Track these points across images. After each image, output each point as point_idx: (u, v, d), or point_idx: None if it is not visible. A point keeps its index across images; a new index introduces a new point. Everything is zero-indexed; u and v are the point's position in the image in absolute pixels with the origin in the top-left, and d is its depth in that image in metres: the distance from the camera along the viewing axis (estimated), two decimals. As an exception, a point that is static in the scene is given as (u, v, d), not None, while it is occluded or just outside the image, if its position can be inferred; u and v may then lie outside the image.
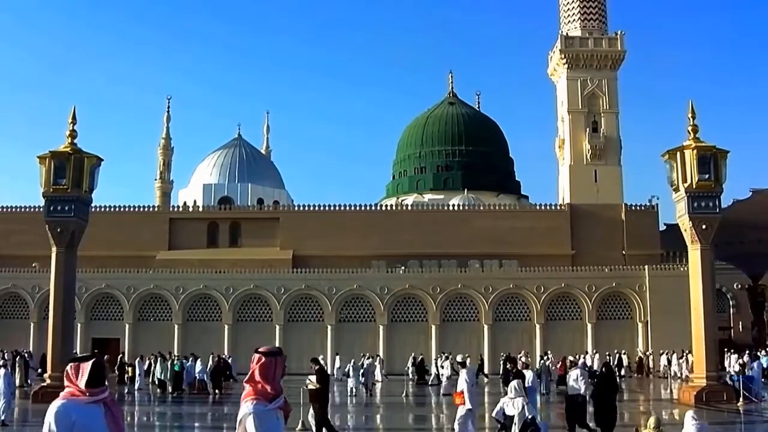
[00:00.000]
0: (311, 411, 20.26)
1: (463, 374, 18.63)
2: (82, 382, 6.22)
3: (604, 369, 22.72)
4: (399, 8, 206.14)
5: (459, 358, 21.02)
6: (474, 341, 61.27)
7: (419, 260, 66.86)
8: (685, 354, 51.07)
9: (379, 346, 60.50)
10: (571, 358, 42.83)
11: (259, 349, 6.51)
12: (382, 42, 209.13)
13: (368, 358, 45.69)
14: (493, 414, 19.16)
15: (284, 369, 6.46)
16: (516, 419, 17.11)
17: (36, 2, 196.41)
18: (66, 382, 6.32)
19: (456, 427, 18.19)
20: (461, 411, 18.20)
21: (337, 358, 55.87)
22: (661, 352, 57.21)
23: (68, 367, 6.34)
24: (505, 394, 19.50)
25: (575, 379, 20.93)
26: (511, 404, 17.45)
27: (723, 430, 25.99)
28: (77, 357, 6.44)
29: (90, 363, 6.26)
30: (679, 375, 51.96)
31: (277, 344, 59.58)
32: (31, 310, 62.05)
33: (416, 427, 29.93)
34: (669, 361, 54.89)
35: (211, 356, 45.28)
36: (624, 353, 57.43)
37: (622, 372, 53.21)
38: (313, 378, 19.99)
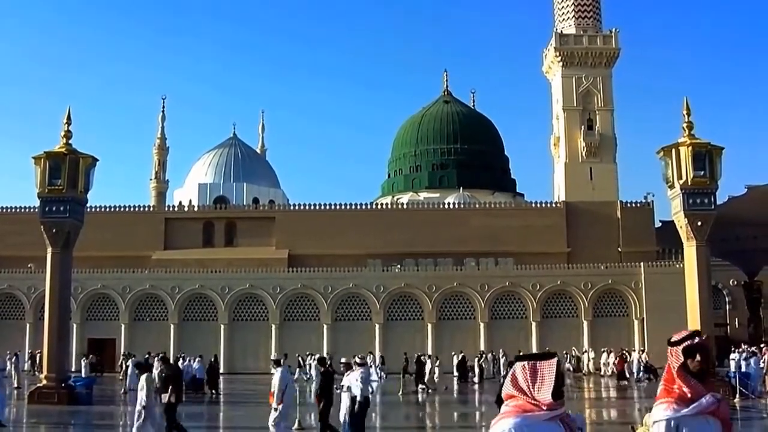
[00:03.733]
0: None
1: (277, 373, 18.33)
2: (544, 391, 4.52)
3: None
4: (393, 7, 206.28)
5: (358, 359, 20.32)
6: (470, 339, 61.21)
7: (415, 259, 66.87)
8: (622, 352, 52.15)
9: (375, 345, 60.47)
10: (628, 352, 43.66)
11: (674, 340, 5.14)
12: (377, 41, 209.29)
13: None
14: None
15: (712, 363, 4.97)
16: None
17: (30, 2, 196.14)
18: (512, 389, 4.61)
19: (271, 428, 17.97)
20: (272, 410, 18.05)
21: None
22: (603, 350, 57.15)
23: (517, 368, 4.64)
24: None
25: (357, 379, 19.03)
26: None
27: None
28: (530, 355, 4.74)
29: (554, 363, 4.62)
30: (608, 373, 52.33)
31: (273, 344, 59.77)
32: (27, 310, 61.93)
33: (414, 425, 29.95)
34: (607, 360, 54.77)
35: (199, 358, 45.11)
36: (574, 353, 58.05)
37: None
38: (354, 378, 19.37)
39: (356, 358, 20.28)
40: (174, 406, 19.33)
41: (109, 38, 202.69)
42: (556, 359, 4.64)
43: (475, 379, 49.96)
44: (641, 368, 49.12)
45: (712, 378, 4.77)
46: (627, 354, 52.79)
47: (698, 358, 4.84)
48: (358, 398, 18.80)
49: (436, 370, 42.27)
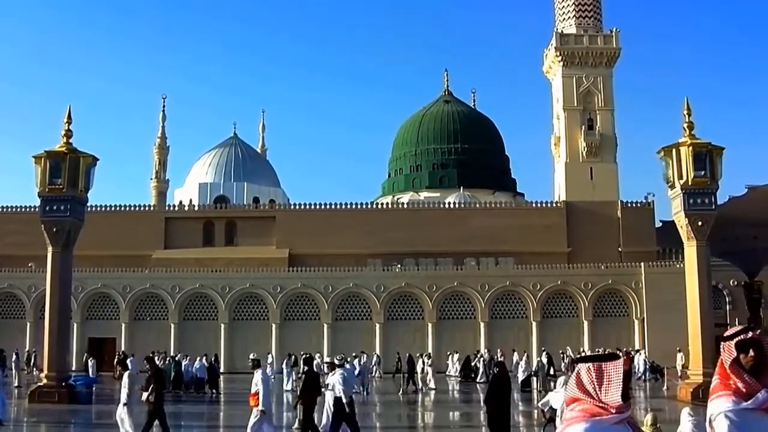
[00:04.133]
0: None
1: (257, 374, 18.23)
2: (612, 392, 4.27)
3: (497, 369, 20.41)
4: (394, 6, 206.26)
5: (337, 360, 20.31)
6: (470, 339, 61.22)
7: (415, 258, 66.89)
8: (628, 351, 51.48)
9: (375, 345, 60.48)
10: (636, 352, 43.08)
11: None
12: (378, 40, 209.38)
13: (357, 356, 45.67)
14: (540, 404, 19.70)
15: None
16: (559, 412, 17.04)
17: (30, 1, 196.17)
18: (577, 392, 4.37)
19: (249, 430, 17.81)
20: (255, 412, 17.89)
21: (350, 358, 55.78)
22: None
23: (582, 370, 4.37)
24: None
25: (339, 381, 19.19)
26: (557, 398, 17.58)
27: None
28: (594, 356, 4.47)
29: (619, 364, 4.28)
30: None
31: (273, 343, 59.80)
32: (27, 309, 61.96)
33: (411, 425, 29.97)
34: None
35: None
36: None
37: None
38: (337, 379, 19.43)
39: (335, 359, 20.29)
40: (157, 405, 19.47)
41: (110, 38, 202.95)
42: (621, 359, 4.35)
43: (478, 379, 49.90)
44: (647, 368, 49.02)
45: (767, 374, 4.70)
46: (632, 354, 52.60)
47: (751, 353, 4.74)
48: (344, 399, 18.87)
49: (429, 369, 42.22)
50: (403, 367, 45.28)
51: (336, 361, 19.99)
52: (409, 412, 33.59)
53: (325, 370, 30.66)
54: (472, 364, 51.66)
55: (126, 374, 19.83)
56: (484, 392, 20.12)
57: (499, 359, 32.43)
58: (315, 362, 37.27)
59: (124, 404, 19.14)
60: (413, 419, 32.01)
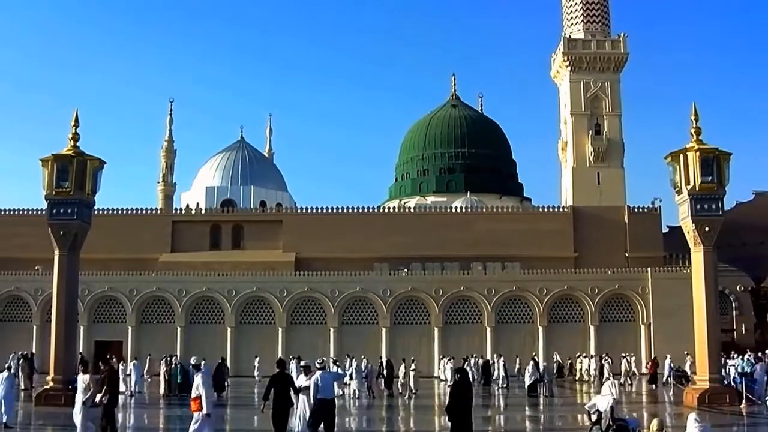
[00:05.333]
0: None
1: (198, 379, 18.18)
2: None
3: (458, 376, 20.12)
4: (402, 11, 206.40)
5: (318, 363, 20.28)
6: (477, 343, 61.18)
7: (422, 263, 66.83)
8: (604, 357, 51.87)
9: (381, 349, 60.46)
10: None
11: None
12: (385, 44, 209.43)
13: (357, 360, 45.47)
14: (587, 407, 20.19)
15: None
16: (604, 415, 18.20)
17: (38, 4, 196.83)
18: None
19: None
20: (197, 417, 17.79)
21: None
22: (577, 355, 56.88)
23: None
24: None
25: (317, 382, 19.26)
26: (603, 401, 18.60)
27: (726, 432, 25.95)
28: None
29: None
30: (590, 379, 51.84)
31: (279, 347, 59.80)
32: (34, 312, 62.15)
33: (419, 429, 29.91)
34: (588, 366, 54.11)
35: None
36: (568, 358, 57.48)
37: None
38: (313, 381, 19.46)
39: (315, 362, 20.24)
40: (110, 406, 19.59)
41: (117, 41, 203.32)
42: None
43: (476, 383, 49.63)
44: (671, 373, 48.75)
45: None
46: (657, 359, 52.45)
47: None
48: (310, 400, 19.09)
49: (411, 374, 41.83)
50: (384, 371, 45.21)
51: (317, 365, 19.94)
52: (367, 416, 33.27)
53: (295, 372, 30.64)
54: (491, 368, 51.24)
55: (81, 376, 20.15)
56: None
57: (470, 365, 32.31)
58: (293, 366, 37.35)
59: (83, 403, 19.42)
60: (365, 423, 31.46)
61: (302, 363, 22.46)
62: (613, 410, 18.73)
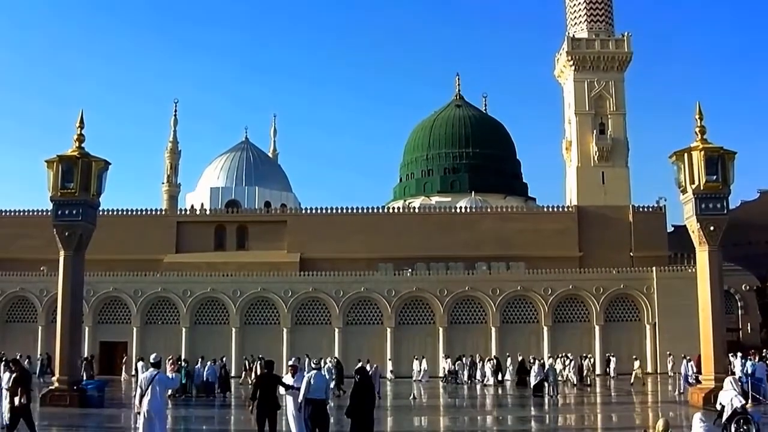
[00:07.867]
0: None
1: (142, 373, 18.19)
2: None
3: (359, 377, 19.73)
4: (405, 11, 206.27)
5: (314, 364, 20.18)
6: (481, 343, 61.21)
7: (426, 263, 66.85)
8: (585, 359, 51.65)
9: (386, 349, 60.49)
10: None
11: None
12: (389, 45, 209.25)
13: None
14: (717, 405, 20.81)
15: None
16: (727, 409, 19.14)
17: (43, 9, 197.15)
18: None
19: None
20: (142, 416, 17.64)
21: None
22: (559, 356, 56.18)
23: None
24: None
25: (310, 382, 19.26)
26: (726, 396, 19.50)
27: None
28: None
29: None
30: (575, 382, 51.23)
31: (284, 347, 59.85)
32: (39, 313, 62.27)
33: (428, 429, 29.94)
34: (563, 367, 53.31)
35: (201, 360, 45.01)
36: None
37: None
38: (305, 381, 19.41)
39: (312, 362, 20.29)
40: (25, 407, 19.77)
41: (123, 43, 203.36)
42: None
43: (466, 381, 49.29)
44: (688, 374, 48.40)
45: None
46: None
47: None
48: (299, 399, 19.05)
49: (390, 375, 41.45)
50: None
51: (313, 365, 19.98)
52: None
53: (283, 372, 30.50)
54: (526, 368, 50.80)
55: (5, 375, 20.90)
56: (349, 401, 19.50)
57: (369, 364, 31.57)
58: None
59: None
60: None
61: (290, 362, 22.43)
62: (732, 405, 19.46)
